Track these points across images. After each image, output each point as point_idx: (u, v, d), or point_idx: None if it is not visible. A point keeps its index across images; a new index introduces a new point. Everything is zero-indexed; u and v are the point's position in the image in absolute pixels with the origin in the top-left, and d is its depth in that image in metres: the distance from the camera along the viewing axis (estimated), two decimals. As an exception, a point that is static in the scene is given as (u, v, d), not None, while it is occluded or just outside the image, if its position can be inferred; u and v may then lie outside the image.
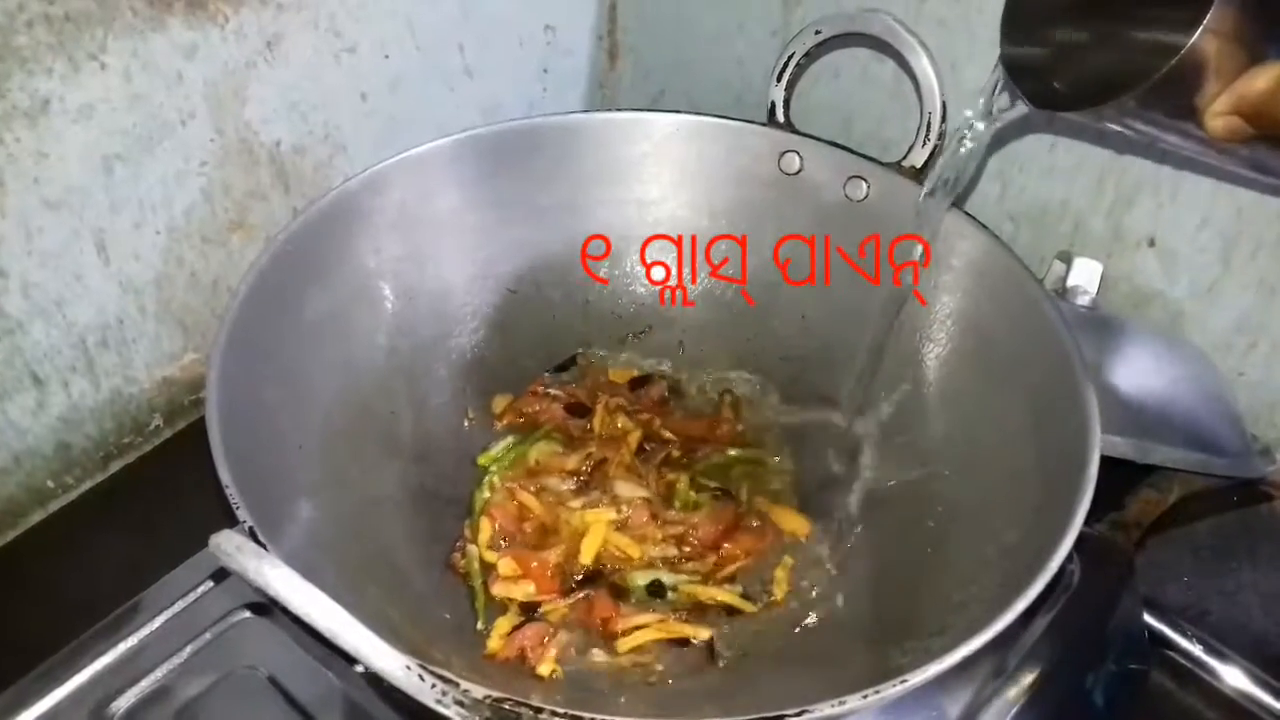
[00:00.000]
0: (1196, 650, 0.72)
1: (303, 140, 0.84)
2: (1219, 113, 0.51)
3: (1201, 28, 0.48)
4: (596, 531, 0.70)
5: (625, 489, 0.73)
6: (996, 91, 0.62)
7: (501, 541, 0.71)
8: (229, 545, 0.41)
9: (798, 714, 0.45)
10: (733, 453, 0.78)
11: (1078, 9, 0.60)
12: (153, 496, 0.79)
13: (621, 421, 0.78)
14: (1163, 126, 0.55)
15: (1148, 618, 0.72)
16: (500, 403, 0.80)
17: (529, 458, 0.76)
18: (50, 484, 0.80)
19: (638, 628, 0.66)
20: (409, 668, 0.42)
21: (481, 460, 0.76)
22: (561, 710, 0.44)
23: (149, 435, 0.84)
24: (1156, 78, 0.50)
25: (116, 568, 0.72)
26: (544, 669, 0.63)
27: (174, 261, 0.80)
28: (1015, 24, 0.61)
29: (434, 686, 0.43)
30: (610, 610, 0.66)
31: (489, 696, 0.44)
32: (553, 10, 0.99)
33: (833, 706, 0.45)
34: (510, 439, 0.78)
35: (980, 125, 0.64)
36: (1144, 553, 0.74)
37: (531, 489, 0.73)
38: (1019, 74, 0.60)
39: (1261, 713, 0.70)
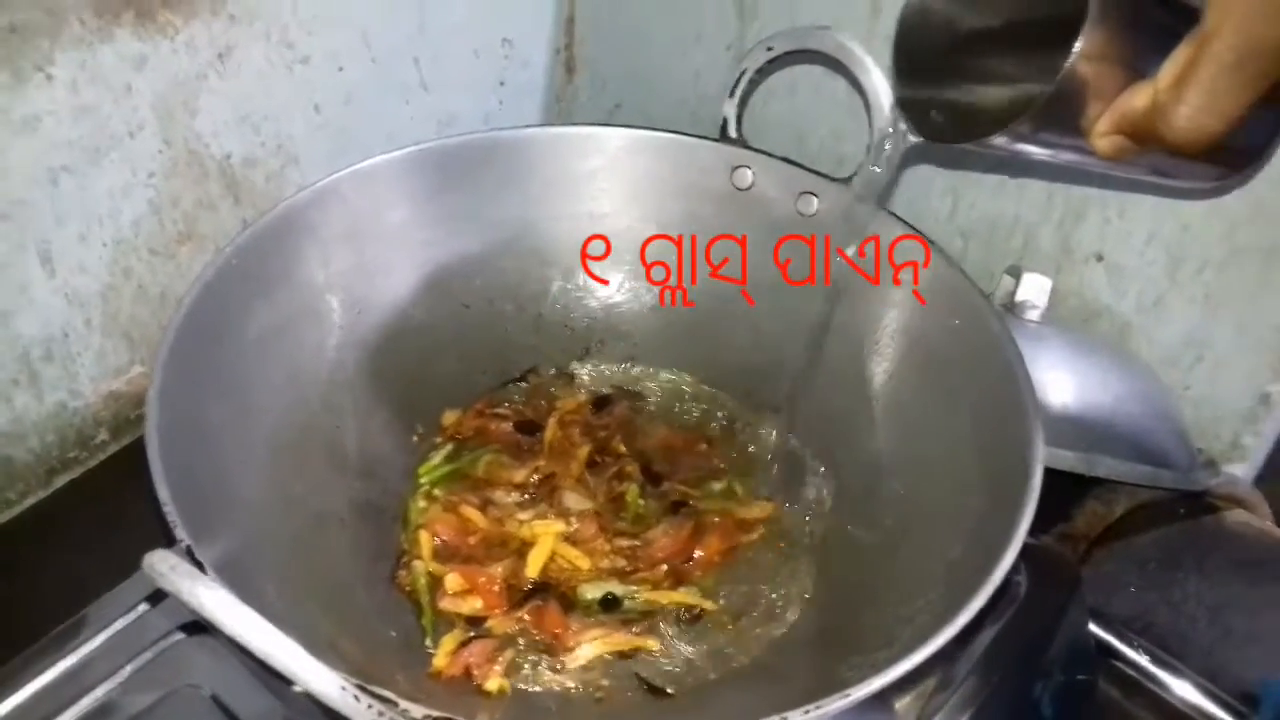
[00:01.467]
0: (1143, 661, 0.72)
1: (254, 152, 0.84)
2: (1103, 133, 0.53)
3: (1073, 53, 0.49)
4: (544, 544, 0.69)
5: (573, 500, 0.73)
6: (896, 124, 0.65)
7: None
8: (163, 565, 0.41)
9: (738, 730, 0.45)
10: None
11: (962, 44, 0.62)
12: (98, 511, 0.78)
13: (574, 436, 0.77)
14: (1058, 147, 0.56)
15: (1094, 628, 0.73)
16: (450, 417, 0.80)
17: (477, 469, 0.76)
18: (-8, 499, 0.79)
19: (587, 642, 0.65)
20: (344, 688, 0.42)
21: (421, 470, 0.76)
22: (500, 730, 0.44)
23: (94, 450, 0.83)
24: (1036, 106, 0.51)
25: (61, 584, 0.71)
26: (491, 685, 0.62)
27: (121, 274, 0.79)
28: (905, 64, 0.63)
29: (370, 707, 0.42)
30: (559, 623, 0.66)
31: (428, 716, 0.44)
32: (510, 23, 0.99)
33: (772, 721, 0.45)
34: (450, 448, 0.77)
35: (885, 152, 0.67)
36: (1090, 564, 0.75)
37: (475, 502, 0.73)
38: (912, 109, 0.63)
39: (1207, 723, 0.70)
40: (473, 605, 0.66)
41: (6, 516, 0.79)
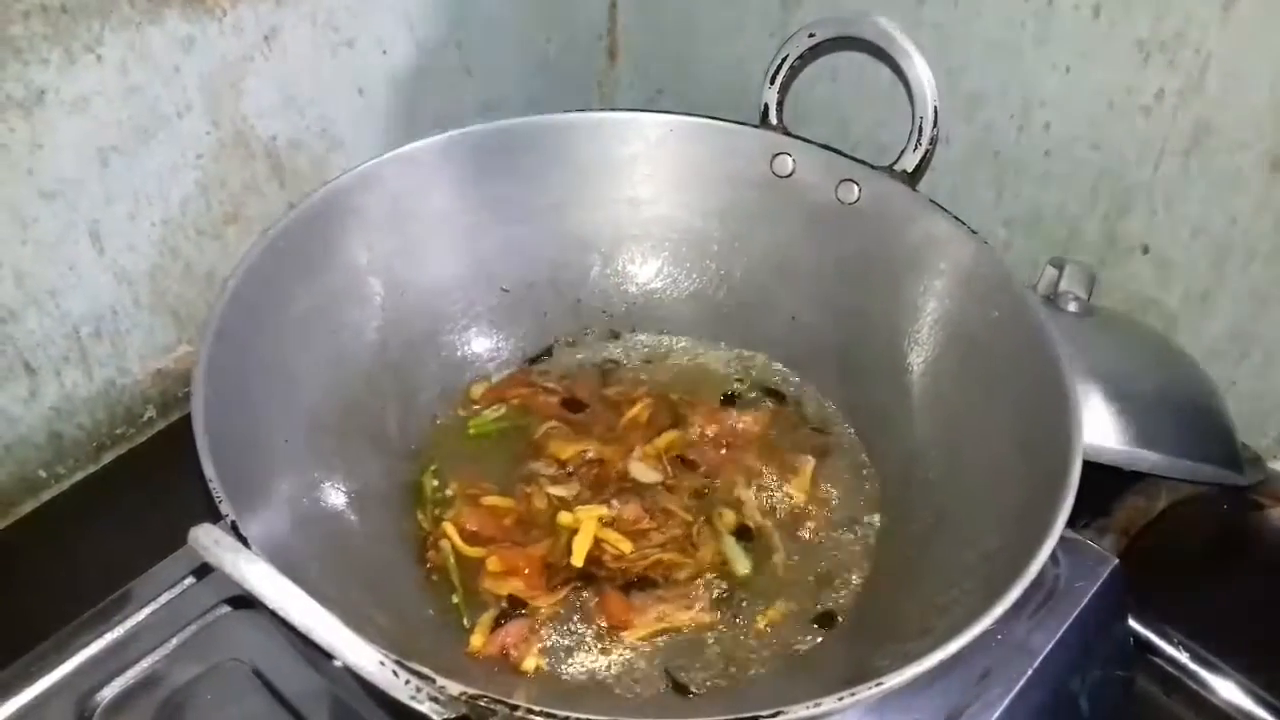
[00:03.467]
0: (1183, 658, 0.72)
1: (299, 135, 0.85)
2: None
3: None
4: (587, 530, 0.69)
5: (639, 470, 0.73)
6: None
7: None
8: (207, 539, 0.41)
9: (772, 715, 0.45)
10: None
11: None
12: (145, 487, 0.80)
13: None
14: None
15: (1134, 624, 0.72)
16: (478, 389, 0.80)
17: (533, 433, 0.76)
18: (42, 474, 0.80)
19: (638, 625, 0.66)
20: (383, 663, 0.43)
21: (472, 424, 0.77)
22: (537, 708, 0.44)
23: (142, 426, 0.85)
24: None
25: (108, 558, 0.72)
26: (528, 665, 0.63)
27: (169, 253, 0.80)
28: None
29: (408, 682, 0.43)
30: (624, 610, 0.65)
31: (465, 693, 0.44)
32: (553, 8, 0.99)
33: (808, 708, 0.45)
34: (504, 409, 0.78)
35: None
36: (1131, 559, 0.74)
37: (494, 488, 0.73)
38: None
39: (1247, 721, 0.70)
40: (514, 586, 0.66)
41: (56, 491, 0.81)
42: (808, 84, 0.89)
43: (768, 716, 0.45)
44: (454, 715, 0.46)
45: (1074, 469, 0.57)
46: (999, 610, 0.50)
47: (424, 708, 0.43)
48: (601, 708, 0.61)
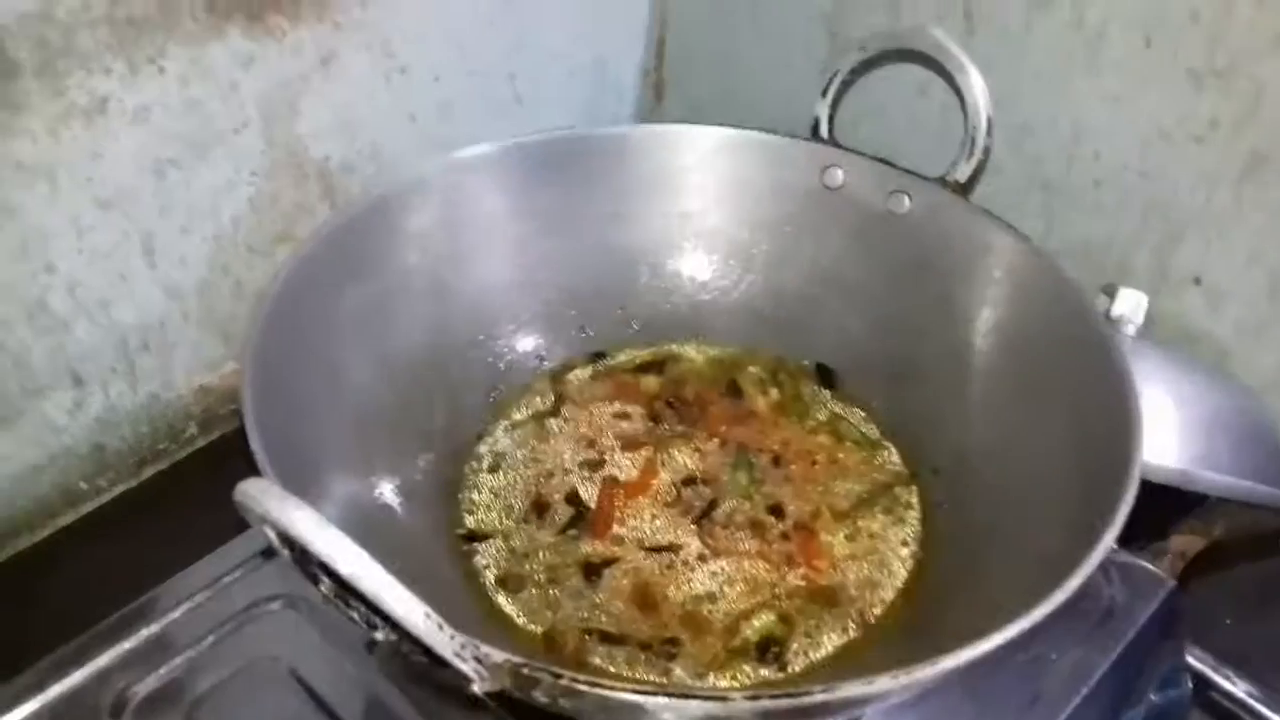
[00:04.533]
0: (1239, 692, 0.69)
1: (351, 158, 0.85)
2: None
3: None
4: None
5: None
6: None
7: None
8: (254, 489, 0.41)
9: (825, 689, 0.43)
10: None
11: None
12: (185, 503, 0.79)
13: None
14: None
15: (1189, 655, 0.70)
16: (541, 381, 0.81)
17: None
18: (83, 485, 0.80)
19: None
20: (429, 615, 0.42)
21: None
22: (582, 677, 0.43)
23: (184, 442, 0.85)
24: None
25: (145, 573, 0.71)
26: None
27: (219, 269, 0.81)
28: None
29: (453, 638, 0.42)
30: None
31: (509, 660, 0.43)
32: (603, 44, 1.01)
33: (861, 685, 0.44)
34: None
35: None
36: (1187, 584, 0.72)
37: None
38: None
39: (1308, 763, 0.67)
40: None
41: (96, 504, 0.81)
42: (859, 95, 0.88)
43: (820, 690, 0.43)
44: (495, 688, 0.44)
45: (1132, 476, 0.55)
46: (1060, 598, 0.48)
47: (467, 667, 0.42)
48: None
